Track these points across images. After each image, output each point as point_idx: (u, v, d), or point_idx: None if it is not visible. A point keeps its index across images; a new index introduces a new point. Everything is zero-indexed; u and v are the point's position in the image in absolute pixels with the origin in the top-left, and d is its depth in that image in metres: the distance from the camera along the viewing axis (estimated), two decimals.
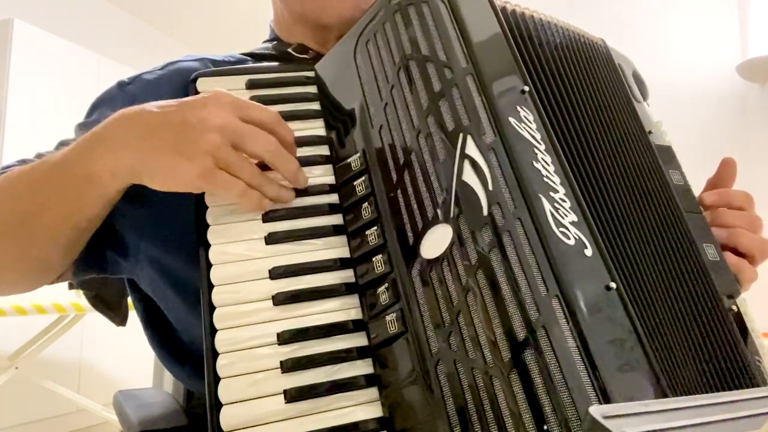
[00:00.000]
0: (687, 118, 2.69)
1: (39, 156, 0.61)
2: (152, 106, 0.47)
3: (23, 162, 0.59)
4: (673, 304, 0.45)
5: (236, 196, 0.46)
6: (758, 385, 0.45)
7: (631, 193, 0.49)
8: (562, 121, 0.48)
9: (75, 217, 0.51)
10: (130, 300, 0.75)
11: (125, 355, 2.95)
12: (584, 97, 0.52)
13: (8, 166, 0.58)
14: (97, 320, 1.27)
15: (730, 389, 0.44)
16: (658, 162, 0.53)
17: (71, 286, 0.68)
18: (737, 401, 0.32)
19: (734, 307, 0.49)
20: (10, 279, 0.57)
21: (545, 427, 0.34)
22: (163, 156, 0.45)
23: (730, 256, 0.53)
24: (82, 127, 0.63)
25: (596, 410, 0.28)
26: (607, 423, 0.27)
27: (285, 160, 0.48)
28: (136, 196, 0.51)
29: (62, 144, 0.62)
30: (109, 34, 3.53)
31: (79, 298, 2.19)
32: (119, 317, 0.73)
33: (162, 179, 0.46)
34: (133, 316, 0.83)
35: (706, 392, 0.43)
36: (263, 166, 0.48)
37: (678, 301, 0.46)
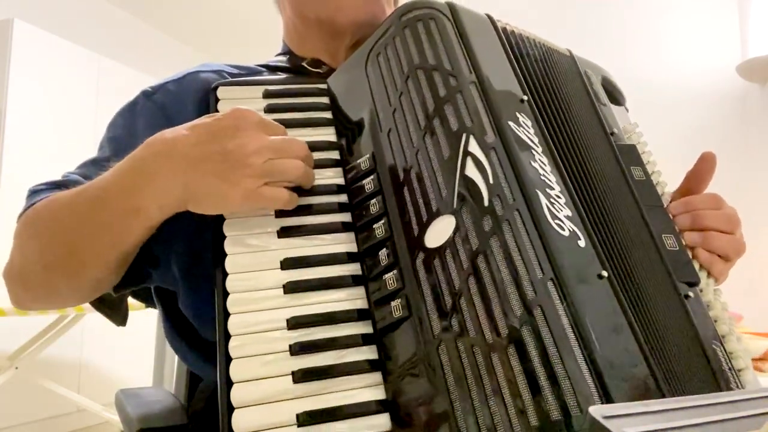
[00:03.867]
0: (687, 118, 2.69)
1: (66, 177, 0.62)
2: (185, 135, 0.49)
3: (52, 185, 0.60)
4: (651, 291, 0.48)
5: (281, 204, 0.49)
6: (713, 366, 0.47)
7: (608, 190, 0.53)
8: (554, 127, 0.52)
9: (122, 246, 0.53)
10: (130, 300, 0.75)
11: (125, 355, 2.96)
12: (566, 104, 0.56)
13: (38, 190, 0.60)
14: (97, 320, 1.27)
15: (693, 368, 0.46)
16: (619, 160, 0.57)
17: None
18: (737, 401, 0.32)
19: (691, 293, 0.51)
20: (65, 297, 0.60)
21: (541, 398, 0.36)
22: (210, 185, 0.48)
23: (701, 252, 0.56)
24: (112, 141, 0.64)
25: (596, 410, 0.28)
26: (607, 423, 0.27)
27: (311, 162, 0.53)
28: None
29: (94, 162, 0.63)
30: (109, 34, 3.53)
31: None
32: (119, 317, 0.74)
33: (209, 205, 0.49)
34: (133, 316, 0.83)
35: (682, 366, 0.45)
36: None
37: (653, 288, 0.49)
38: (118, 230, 0.52)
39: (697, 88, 2.72)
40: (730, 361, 0.49)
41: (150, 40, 3.86)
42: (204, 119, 0.51)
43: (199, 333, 0.64)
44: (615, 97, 0.66)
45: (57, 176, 0.63)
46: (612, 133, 0.59)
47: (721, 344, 0.50)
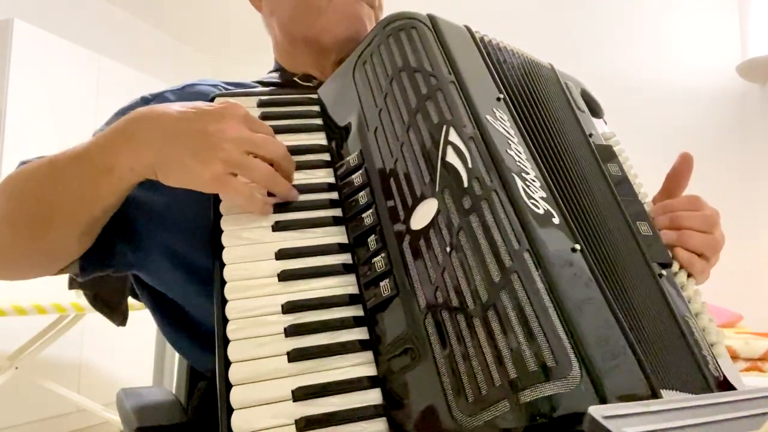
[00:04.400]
0: (687, 118, 2.69)
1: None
2: (174, 109, 0.52)
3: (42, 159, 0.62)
4: (623, 268, 0.52)
5: (242, 200, 0.51)
6: (684, 332, 0.51)
7: (581, 181, 0.57)
8: (529, 123, 0.56)
9: (91, 206, 0.55)
10: (130, 300, 0.75)
11: (125, 355, 2.96)
12: (542, 106, 0.60)
13: (25, 162, 0.62)
14: (97, 320, 1.27)
15: (668, 335, 0.50)
16: (597, 156, 0.62)
17: (71, 286, 0.69)
18: (737, 401, 0.32)
19: (664, 272, 0.55)
20: (26, 262, 0.61)
21: (520, 354, 0.38)
22: (182, 158, 0.50)
23: (680, 252, 0.59)
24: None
25: (596, 410, 0.28)
26: (606, 423, 0.27)
27: (290, 163, 0.55)
28: (151, 185, 0.54)
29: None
30: (109, 34, 3.54)
31: (79, 298, 2.19)
32: (119, 317, 0.74)
33: (177, 177, 0.51)
34: (133, 316, 0.83)
35: (653, 332, 0.48)
36: None
37: (626, 266, 0.53)
38: (88, 188, 0.54)
39: (697, 88, 2.72)
40: (702, 333, 0.53)
41: (150, 40, 3.86)
42: (197, 102, 0.54)
43: (191, 318, 0.65)
44: (593, 108, 0.71)
45: None
46: (590, 135, 0.64)
47: (694, 318, 0.54)
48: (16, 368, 2.28)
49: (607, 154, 0.64)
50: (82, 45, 3.02)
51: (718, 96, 2.67)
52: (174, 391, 0.85)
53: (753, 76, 2.55)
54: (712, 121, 2.67)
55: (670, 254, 0.58)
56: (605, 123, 0.72)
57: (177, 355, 0.84)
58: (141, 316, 1.08)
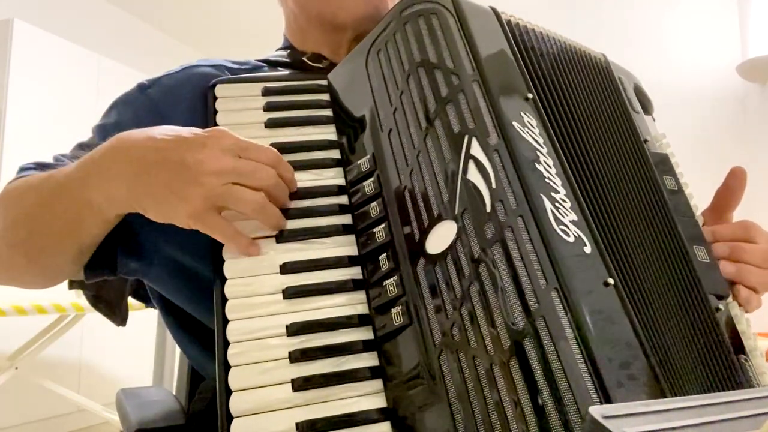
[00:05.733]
0: (687, 118, 2.68)
1: (57, 159, 0.63)
2: (149, 138, 0.48)
3: (40, 165, 0.61)
4: (666, 301, 0.47)
5: (224, 239, 0.47)
6: (740, 379, 0.46)
7: (627, 197, 0.51)
8: (563, 127, 0.50)
9: (76, 236, 0.54)
10: (130, 300, 0.75)
11: (125, 355, 2.96)
12: (582, 104, 0.54)
13: (25, 168, 0.61)
14: (97, 320, 1.27)
15: (718, 382, 0.45)
16: (652, 168, 0.55)
17: (71, 286, 0.69)
18: (737, 401, 0.32)
19: (721, 306, 0.50)
20: (27, 280, 0.63)
21: (544, 413, 0.35)
22: (156, 194, 0.46)
23: (742, 290, 0.54)
24: (101, 129, 0.64)
25: (596, 410, 0.28)
26: (607, 423, 0.27)
27: (283, 190, 0.49)
28: None
29: (81, 146, 0.64)
30: (109, 34, 3.53)
31: (79, 298, 2.19)
32: (119, 317, 0.74)
33: (155, 213, 0.48)
34: (133, 316, 0.83)
35: (697, 385, 0.44)
36: None
37: (670, 298, 0.48)
38: (72, 220, 0.52)
39: (697, 88, 2.71)
40: (757, 375, 0.48)
41: (150, 40, 3.86)
42: (184, 129, 0.49)
43: (199, 324, 0.64)
44: (644, 104, 0.64)
45: None
46: (645, 141, 0.58)
47: (750, 359, 0.48)
48: (16, 368, 2.28)
49: (664, 164, 0.57)
50: (82, 45, 3.01)
51: (718, 96, 2.67)
52: (174, 392, 0.85)
53: (753, 76, 2.55)
54: (712, 121, 2.66)
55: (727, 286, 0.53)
56: (654, 120, 0.65)
57: (177, 355, 0.84)
58: (141, 316, 1.08)
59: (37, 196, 0.55)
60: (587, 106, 0.54)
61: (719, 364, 0.46)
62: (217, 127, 0.49)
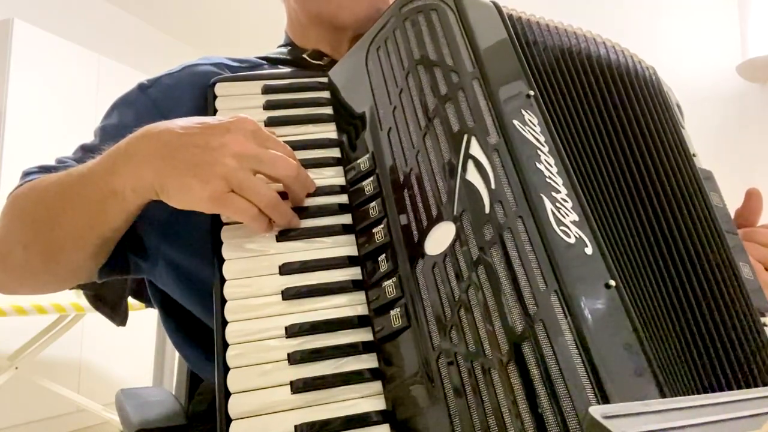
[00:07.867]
0: (687, 118, 2.68)
1: (60, 162, 0.62)
2: (176, 125, 0.49)
3: (44, 168, 0.61)
4: (670, 304, 0.46)
5: (246, 220, 0.47)
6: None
7: (633, 197, 0.50)
8: (567, 125, 0.49)
9: (99, 228, 0.53)
10: (130, 300, 0.75)
11: (125, 355, 2.96)
12: (581, 99, 0.52)
13: (30, 172, 0.61)
14: (97, 320, 1.27)
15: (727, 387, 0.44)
16: (702, 184, 0.54)
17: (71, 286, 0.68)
18: (737, 401, 0.32)
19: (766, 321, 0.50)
20: (43, 280, 0.60)
21: (542, 418, 0.35)
22: (181, 176, 0.46)
23: (763, 273, 0.54)
24: (103, 130, 0.64)
25: (596, 410, 0.28)
26: (607, 423, 0.27)
27: (302, 186, 0.49)
28: (157, 200, 0.52)
29: (83, 149, 0.64)
30: (109, 34, 3.53)
31: (79, 298, 2.19)
32: (119, 317, 0.74)
33: (177, 198, 0.48)
34: (133, 316, 0.83)
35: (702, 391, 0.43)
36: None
37: (675, 301, 0.46)
38: (96, 211, 0.52)
39: (697, 88, 2.71)
40: None
41: (150, 40, 3.86)
42: (205, 117, 0.50)
43: (200, 326, 0.64)
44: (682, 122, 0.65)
45: None
46: (694, 155, 0.57)
47: None
48: (16, 368, 2.28)
49: (710, 181, 0.56)
50: (82, 45, 3.01)
51: (718, 96, 2.67)
52: (174, 392, 0.85)
53: (753, 76, 2.55)
54: (712, 121, 2.66)
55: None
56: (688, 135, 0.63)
57: (177, 355, 0.83)
58: (141, 316, 1.08)
59: (57, 191, 0.54)
60: (587, 101, 0.53)
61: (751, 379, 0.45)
62: (241, 115, 0.49)
